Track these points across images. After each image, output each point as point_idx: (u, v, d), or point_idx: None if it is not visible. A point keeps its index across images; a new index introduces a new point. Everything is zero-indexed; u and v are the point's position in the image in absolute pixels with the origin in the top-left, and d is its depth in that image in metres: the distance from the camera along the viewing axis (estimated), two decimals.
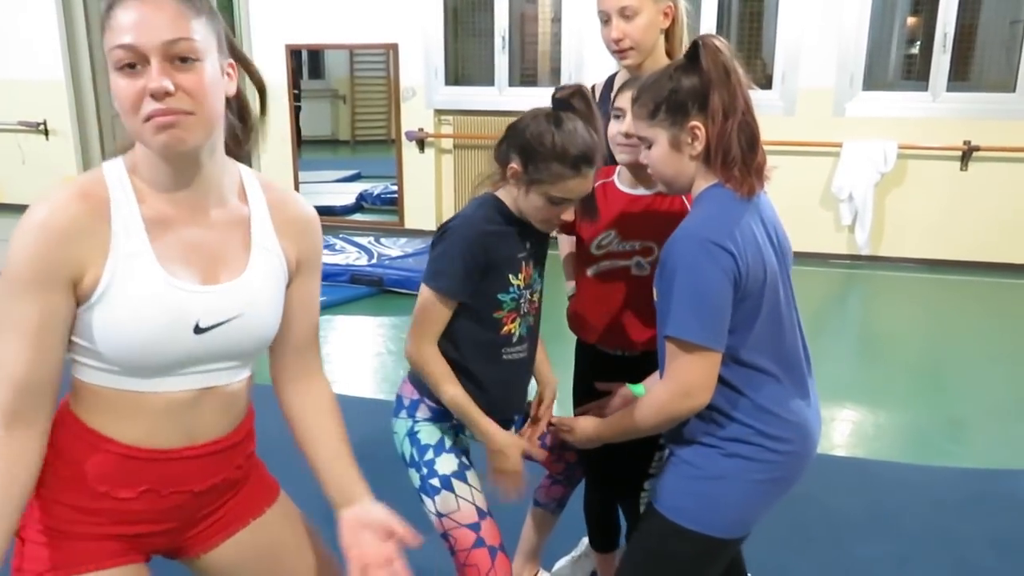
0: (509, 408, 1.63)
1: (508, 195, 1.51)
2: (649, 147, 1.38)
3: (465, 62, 6.14)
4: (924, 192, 5.09)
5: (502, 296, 1.51)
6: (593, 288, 1.71)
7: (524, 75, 6.11)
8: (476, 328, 1.51)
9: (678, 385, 1.29)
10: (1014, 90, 4.91)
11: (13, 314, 1.02)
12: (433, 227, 5.89)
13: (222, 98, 1.07)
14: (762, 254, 1.29)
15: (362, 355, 3.74)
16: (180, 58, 1.00)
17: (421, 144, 5.85)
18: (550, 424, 1.65)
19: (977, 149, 4.91)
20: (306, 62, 11.12)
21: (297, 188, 6.22)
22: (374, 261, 4.61)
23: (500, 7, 5.63)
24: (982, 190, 4.99)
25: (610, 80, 1.92)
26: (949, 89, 5.02)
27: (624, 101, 1.59)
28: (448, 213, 5.94)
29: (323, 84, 11.63)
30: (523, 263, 1.53)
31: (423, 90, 5.79)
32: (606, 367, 1.71)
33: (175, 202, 1.09)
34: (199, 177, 1.10)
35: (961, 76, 5.13)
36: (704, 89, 1.29)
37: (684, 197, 1.62)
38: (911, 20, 6.03)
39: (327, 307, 4.24)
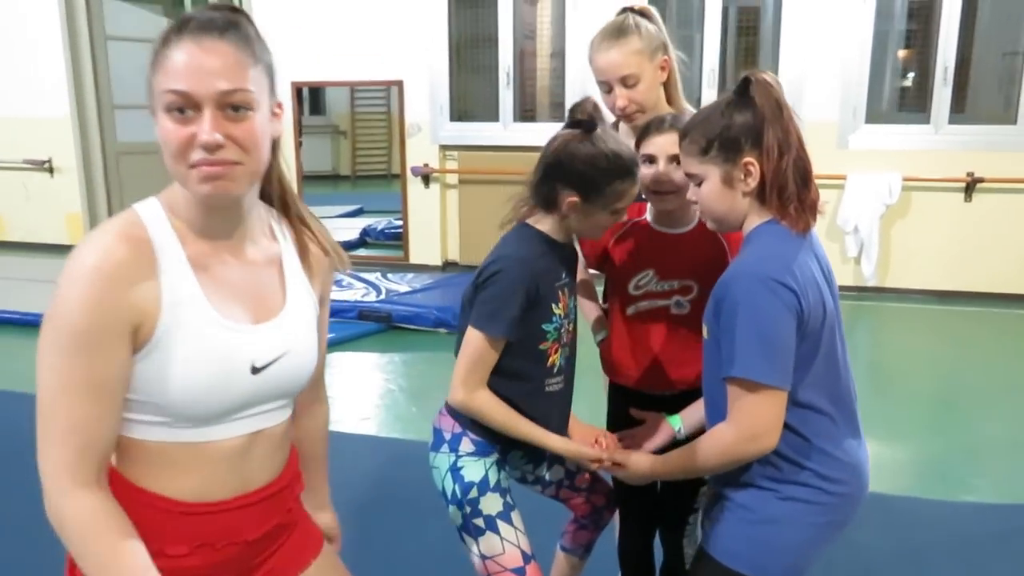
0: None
1: (546, 223, 1.50)
2: (699, 184, 1.36)
3: (469, 98, 6.19)
4: (929, 224, 5.11)
5: (546, 326, 1.49)
6: (631, 329, 1.70)
7: (524, 111, 6.15)
8: (522, 362, 1.49)
9: (746, 428, 1.26)
10: (1015, 122, 4.95)
11: (72, 368, 0.95)
12: (439, 262, 5.89)
13: (269, 145, 1.05)
14: (820, 292, 1.28)
15: (372, 392, 3.70)
16: (233, 107, 0.98)
17: (426, 179, 5.87)
18: (597, 461, 1.59)
19: (981, 181, 4.94)
20: (307, 98, 11.24)
21: None
22: (382, 297, 4.59)
23: (504, 44, 5.69)
24: (987, 221, 5.01)
25: (615, 125, 1.92)
26: (950, 121, 5.07)
27: (654, 147, 1.59)
28: (454, 248, 5.94)
29: (324, 120, 11.74)
30: (560, 291, 1.52)
31: (428, 126, 5.82)
32: (644, 409, 1.69)
33: (215, 243, 1.07)
34: (239, 220, 1.09)
35: (958, 108, 5.19)
36: (758, 125, 1.28)
37: (721, 235, 1.61)
38: (903, 53, 6.13)
39: (335, 344, 4.21)
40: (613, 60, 1.73)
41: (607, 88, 1.77)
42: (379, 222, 7.10)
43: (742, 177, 1.30)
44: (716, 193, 1.33)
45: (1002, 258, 5.02)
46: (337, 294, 4.64)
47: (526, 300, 1.43)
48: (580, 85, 5.52)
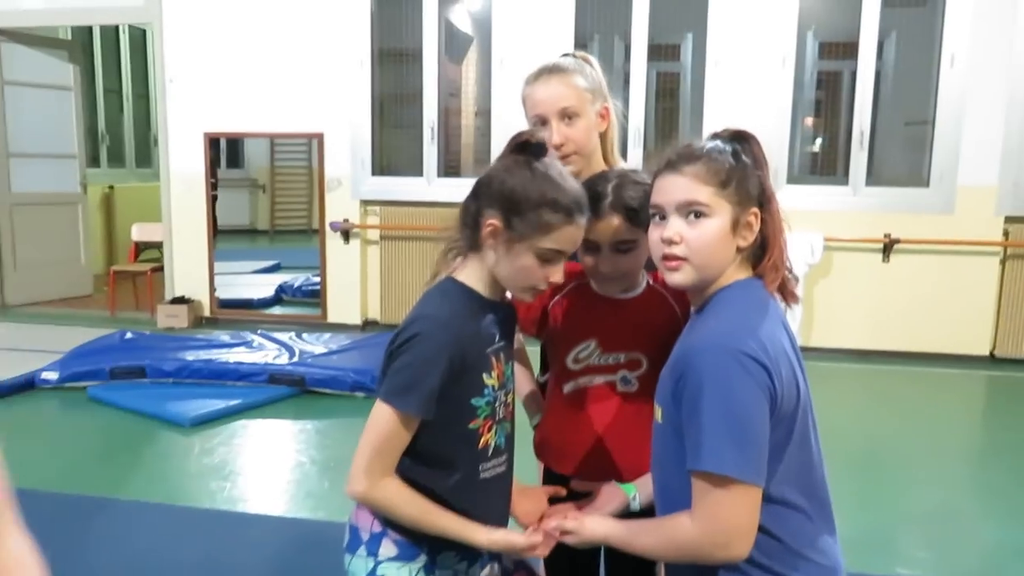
0: None
1: (474, 273, 1.30)
2: (696, 215, 1.16)
3: (391, 153, 6.05)
4: (850, 283, 5.17)
5: (476, 401, 1.28)
6: (569, 409, 1.49)
7: (448, 167, 6.04)
8: (447, 445, 1.27)
9: (716, 532, 1.08)
10: (927, 186, 5.09)
11: None
12: (358, 321, 5.64)
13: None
14: (792, 368, 1.12)
15: (280, 465, 3.39)
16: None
17: (346, 235, 5.64)
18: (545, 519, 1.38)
19: (898, 241, 5.04)
20: (224, 151, 10.91)
21: (212, 279, 5.89)
22: (295, 359, 4.31)
23: (428, 100, 5.58)
24: (904, 281, 5.09)
25: None
26: (866, 184, 5.18)
27: (596, 234, 1.38)
28: (374, 306, 5.70)
29: (242, 173, 11.40)
30: (494, 358, 1.31)
31: (349, 180, 5.63)
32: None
33: None
34: None
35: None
36: (763, 180, 1.17)
37: (672, 298, 1.45)
38: (810, 120, 6.33)
39: (241, 410, 3.91)
40: (553, 91, 1.59)
41: (542, 121, 1.61)
42: (296, 279, 6.82)
43: (748, 227, 1.16)
44: (719, 235, 1.15)
45: (920, 317, 5.09)
46: (245, 355, 4.34)
47: (449, 371, 1.22)
48: (503, 143, 5.43)
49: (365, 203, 5.67)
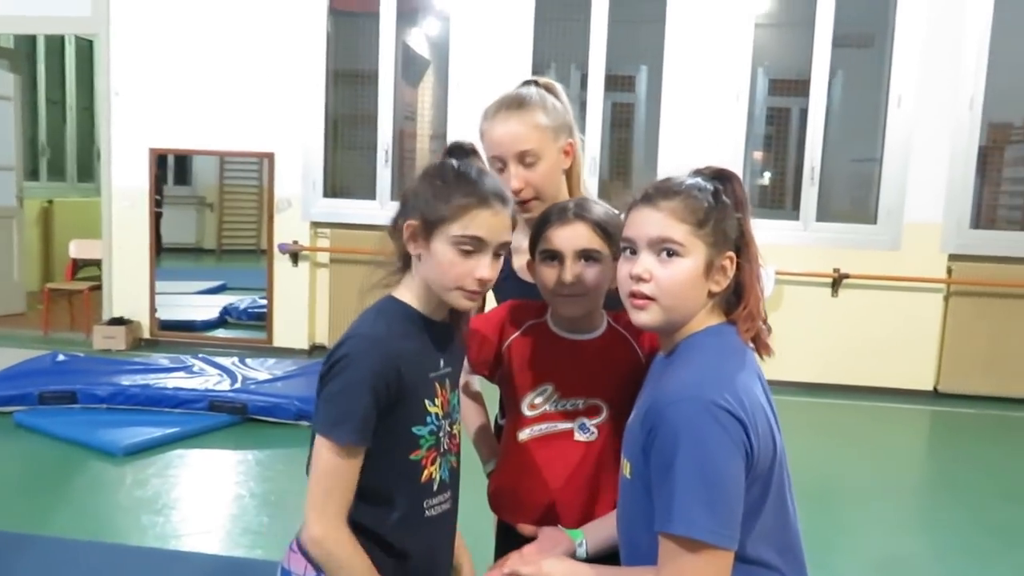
0: None
1: (409, 290, 1.22)
2: (669, 254, 1.11)
3: (343, 175, 5.94)
4: (800, 316, 5.21)
5: (419, 430, 1.19)
6: (525, 459, 1.40)
7: (403, 190, 5.95)
8: (387, 478, 1.17)
9: None
10: (875, 222, 5.18)
11: None
12: (305, 346, 5.49)
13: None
14: (768, 422, 1.07)
15: (218, 498, 3.23)
16: None
17: (295, 257, 5.50)
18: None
19: (847, 276, 5.11)
20: (172, 167, 10.64)
21: (153, 299, 5.69)
22: (237, 385, 4.15)
23: (384, 122, 5.51)
24: (852, 315, 5.15)
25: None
26: (817, 219, 5.25)
27: (558, 241, 1.33)
28: (322, 331, 5.56)
29: (189, 191, 11.11)
30: (438, 384, 1.22)
31: (299, 201, 5.50)
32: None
33: None
34: None
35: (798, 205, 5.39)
36: (742, 223, 1.13)
37: (634, 340, 1.39)
38: (759, 155, 6.43)
39: (179, 439, 3.73)
40: (511, 131, 1.47)
41: (499, 166, 1.50)
42: (242, 300, 6.61)
43: (722, 271, 1.11)
44: (691, 276, 1.10)
45: (866, 352, 5.15)
46: (186, 381, 4.16)
47: (386, 393, 1.13)
48: None
49: (316, 225, 5.54)
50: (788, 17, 5.71)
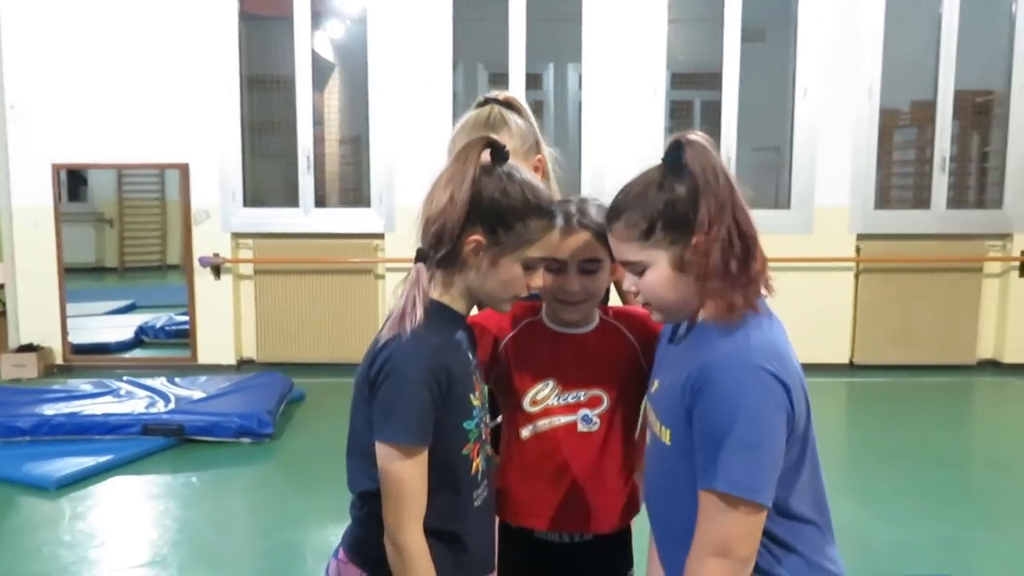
0: (486, 566, 1.30)
1: (451, 290, 1.22)
2: (640, 272, 1.15)
3: (261, 183, 5.78)
4: None
5: (468, 424, 1.20)
6: (528, 456, 1.41)
7: (316, 196, 5.81)
8: (443, 475, 1.17)
9: (715, 545, 1.06)
10: (789, 207, 5.43)
11: None
12: (232, 361, 5.33)
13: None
14: (803, 383, 1.11)
15: (163, 524, 3.08)
16: None
17: (217, 270, 5.32)
18: None
19: (765, 260, 5.32)
20: (65, 183, 10.07)
21: (65, 323, 5.40)
22: (171, 406, 3.98)
23: (303, 128, 5.39)
24: (772, 297, 5.37)
25: None
26: None
27: (563, 250, 1.35)
28: (249, 343, 5.41)
29: (86, 207, 10.55)
30: (475, 377, 1.24)
31: (218, 212, 5.32)
32: (545, 557, 1.42)
33: None
34: None
35: None
36: (713, 195, 1.12)
37: (628, 331, 1.43)
38: None
39: (114, 467, 3.56)
40: None
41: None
42: (157, 318, 6.34)
43: (698, 255, 1.11)
44: (667, 281, 1.14)
45: (788, 329, 5.37)
46: (116, 406, 3.98)
47: (439, 392, 1.14)
48: (386, 171, 5.34)
49: (237, 236, 5.37)
50: (689, 13, 5.89)
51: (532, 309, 1.47)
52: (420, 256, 1.20)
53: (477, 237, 1.18)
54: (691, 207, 1.11)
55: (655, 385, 1.25)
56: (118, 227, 10.62)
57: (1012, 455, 4.01)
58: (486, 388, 1.32)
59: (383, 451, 1.13)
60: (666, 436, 1.16)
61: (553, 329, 1.44)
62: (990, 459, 3.96)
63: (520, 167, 1.23)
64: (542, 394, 1.41)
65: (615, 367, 1.40)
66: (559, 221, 1.27)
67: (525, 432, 1.42)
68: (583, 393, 1.40)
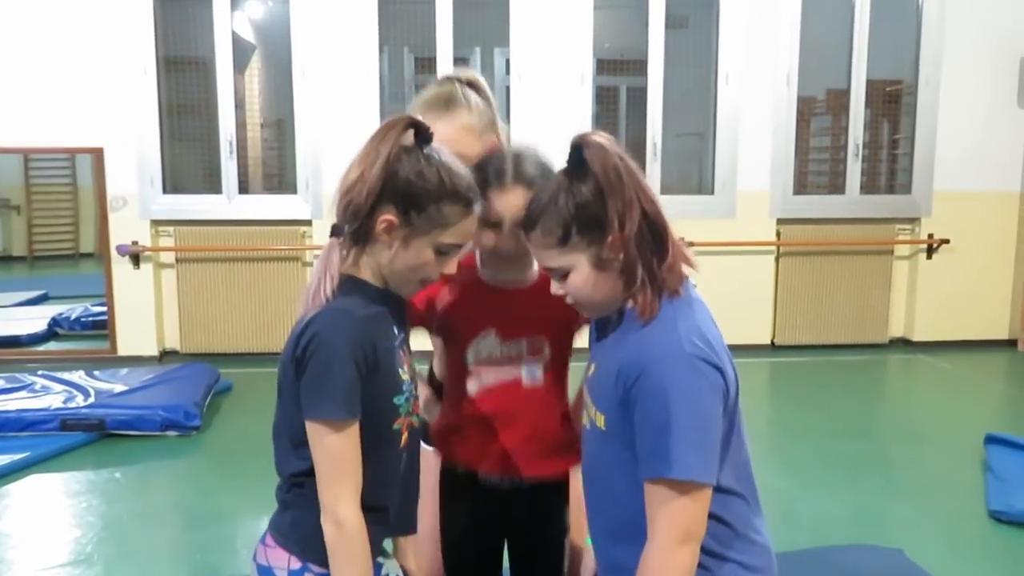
0: (405, 529, 1.34)
1: (367, 268, 1.21)
2: (563, 276, 1.19)
3: (181, 168, 5.59)
4: None
5: (398, 399, 1.21)
6: (475, 409, 1.44)
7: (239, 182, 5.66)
8: (373, 450, 1.17)
9: (679, 532, 1.09)
10: (713, 193, 5.57)
11: None
12: (155, 352, 5.17)
13: None
14: (731, 361, 1.16)
15: (87, 523, 2.96)
16: None
17: (136, 259, 5.14)
18: None
19: (692, 244, 5.42)
20: None
21: None
22: (91, 400, 3.84)
23: (225, 112, 5.24)
24: (698, 280, 5.49)
25: None
26: (661, 193, 5.56)
27: (498, 207, 1.35)
28: (172, 334, 5.25)
29: None
30: (401, 351, 1.25)
31: (136, 199, 5.13)
32: (487, 499, 1.46)
33: None
34: None
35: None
36: (620, 195, 1.14)
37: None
38: None
39: (29, 464, 3.42)
40: (439, 134, 1.37)
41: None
42: (72, 309, 6.09)
43: (616, 252, 1.14)
44: (590, 281, 1.17)
45: (713, 312, 5.52)
46: (31, 402, 3.81)
47: (364, 365, 1.13)
48: (312, 156, 5.24)
49: (157, 223, 5.20)
50: (614, 0, 5.96)
51: (467, 262, 1.45)
52: (333, 231, 1.20)
53: (389, 217, 1.17)
54: (600, 207, 1.14)
55: (591, 369, 1.28)
56: (26, 214, 10.16)
57: (922, 427, 4.25)
58: (416, 363, 1.32)
59: (314, 429, 1.13)
60: (600, 421, 1.19)
61: (488, 283, 1.45)
62: (902, 431, 4.18)
63: (442, 150, 1.22)
64: (483, 344, 1.43)
65: (555, 315, 1.40)
66: (478, 200, 1.24)
67: (471, 387, 1.45)
68: (525, 341, 1.43)
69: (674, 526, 1.09)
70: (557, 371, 1.48)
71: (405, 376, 1.23)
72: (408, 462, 1.28)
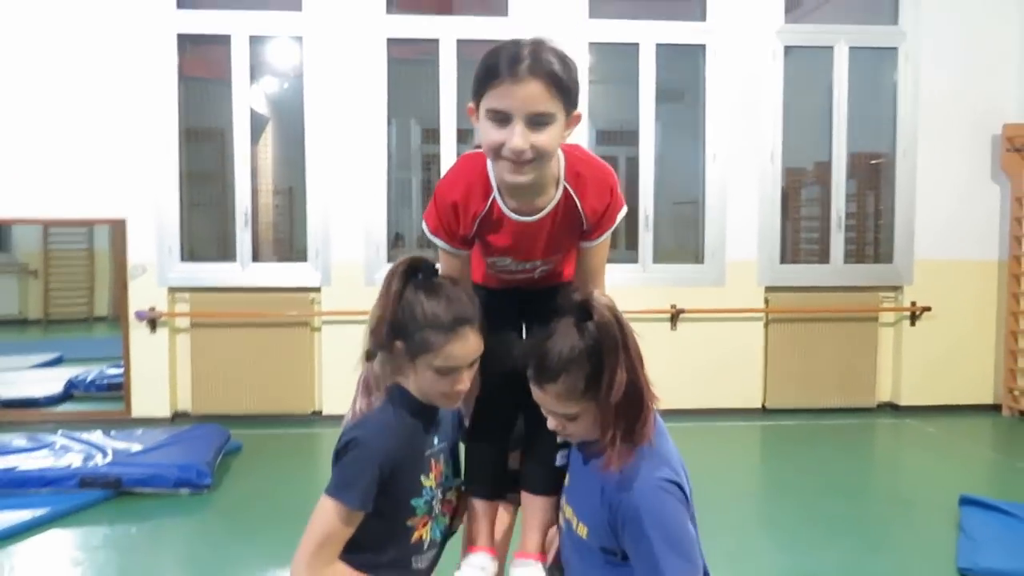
0: None
1: (410, 381, 1.44)
2: (572, 419, 1.36)
3: (198, 236, 5.89)
4: (645, 350, 5.70)
5: (415, 501, 1.42)
6: (494, 280, 1.66)
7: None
8: (383, 538, 1.40)
9: None
10: (703, 262, 5.83)
11: None
12: (167, 414, 5.38)
13: None
14: (684, 469, 1.41)
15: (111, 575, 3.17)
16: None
17: (153, 324, 5.39)
18: None
19: (683, 311, 5.70)
20: None
21: None
22: (109, 459, 4.03)
23: (241, 183, 5.55)
24: (688, 346, 5.72)
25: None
26: (654, 261, 5.82)
27: (508, 100, 1.30)
28: (184, 397, 5.47)
29: (8, 258, 10.34)
30: (433, 460, 1.46)
31: (155, 267, 5.41)
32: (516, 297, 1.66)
33: None
34: None
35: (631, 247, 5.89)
36: (616, 356, 1.36)
37: (582, 209, 1.52)
38: None
39: (49, 520, 3.60)
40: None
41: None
42: (88, 372, 6.31)
43: (606, 416, 1.37)
44: (592, 427, 1.37)
45: (703, 377, 5.72)
46: (52, 460, 4.01)
47: (380, 474, 1.36)
48: (322, 225, 5.52)
49: (173, 290, 5.47)
50: (611, 74, 6.31)
51: (484, 188, 1.49)
52: (367, 356, 1.44)
53: (398, 344, 1.42)
54: (601, 369, 1.34)
55: (567, 480, 1.49)
56: (43, 278, 10.45)
57: (904, 489, 4.40)
58: (449, 467, 1.52)
59: (326, 502, 1.36)
60: (583, 531, 1.40)
61: (510, 216, 1.49)
62: (884, 492, 4.32)
63: (442, 282, 1.45)
64: (500, 263, 1.59)
65: (569, 242, 1.58)
66: (468, 323, 1.40)
67: (489, 269, 1.64)
68: (539, 262, 1.59)
69: None
70: (568, 255, 1.63)
71: (428, 483, 1.44)
72: (429, 563, 1.49)
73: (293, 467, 4.48)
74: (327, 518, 1.35)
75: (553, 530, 1.54)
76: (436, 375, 1.40)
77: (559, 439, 1.53)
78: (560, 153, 1.49)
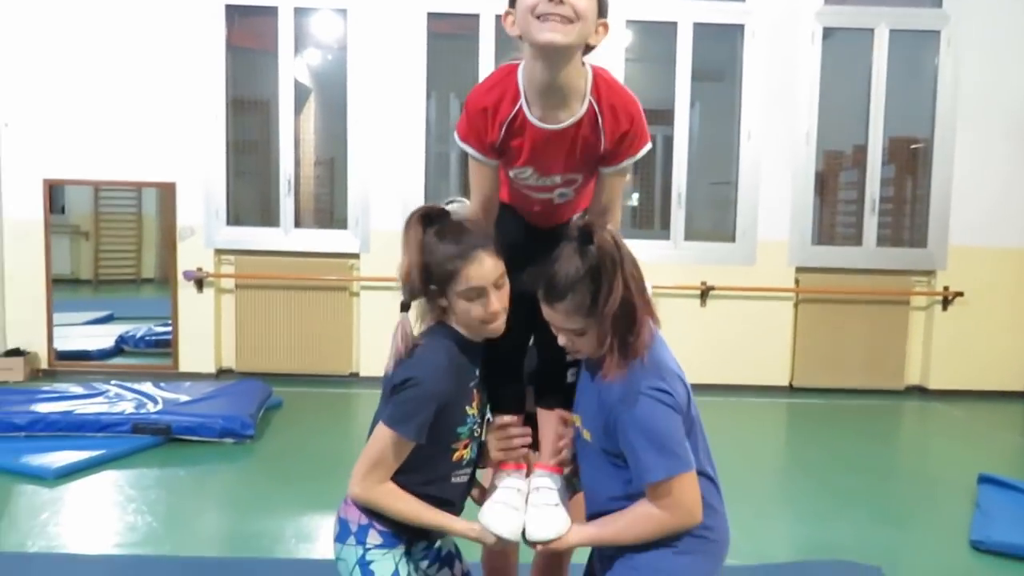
0: (453, 511, 1.66)
1: (454, 318, 1.58)
2: (580, 334, 1.50)
3: (243, 202, 6.11)
4: (673, 325, 5.74)
5: (461, 429, 1.58)
6: (515, 192, 1.72)
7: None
8: (429, 459, 1.55)
9: (684, 512, 1.48)
10: (734, 241, 5.89)
11: None
12: (212, 370, 5.63)
13: None
14: (683, 380, 1.53)
15: (160, 511, 3.36)
16: None
17: (200, 284, 5.64)
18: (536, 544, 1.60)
19: (712, 288, 5.78)
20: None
21: (51, 330, 5.66)
22: (160, 408, 4.28)
23: (285, 151, 5.74)
24: (717, 323, 5.81)
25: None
26: (685, 239, 5.90)
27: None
28: (228, 355, 5.72)
29: (62, 219, 10.72)
30: (476, 390, 1.61)
31: (202, 229, 5.65)
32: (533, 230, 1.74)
33: None
34: None
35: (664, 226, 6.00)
36: (620, 278, 1.46)
37: (603, 126, 1.58)
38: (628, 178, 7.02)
39: (104, 462, 3.85)
40: None
41: None
42: (137, 329, 6.61)
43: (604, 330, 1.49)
44: (596, 343, 1.50)
45: (731, 354, 5.81)
46: (107, 407, 4.27)
47: (437, 409, 1.50)
48: (362, 195, 5.70)
49: (220, 252, 5.70)
50: (648, 53, 6.35)
51: (514, 97, 1.55)
52: (402, 307, 1.57)
53: (433, 287, 1.55)
54: (601, 286, 1.46)
55: (576, 394, 1.65)
56: (94, 240, 10.84)
57: (923, 467, 4.47)
58: (486, 396, 1.67)
59: (383, 431, 1.51)
60: (588, 436, 1.56)
61: (534, 124, 1.55)
62: (902, 469, 4.40)
63: (447, 223, 1.56)
64: (523, 176, 1.65)
65: (592, 156, 1.60)
66: (482, 246, 1.51)
67: (512, 183, 1.71)
68: (559, 177, 1.64)
69: (679, 509, 1.48)
70: (585, 186, 1.69)
71: (471, 411, 1.60)
72: (467, 479, 1.65)
73: (330, 424, 4.71)
74: (383, 444, 1.51)
75: (567, 442, 1.68)
76: (467, 302, 1.51)
77: (568, 358, 1.67)
78: (588, 71, 1.56)
